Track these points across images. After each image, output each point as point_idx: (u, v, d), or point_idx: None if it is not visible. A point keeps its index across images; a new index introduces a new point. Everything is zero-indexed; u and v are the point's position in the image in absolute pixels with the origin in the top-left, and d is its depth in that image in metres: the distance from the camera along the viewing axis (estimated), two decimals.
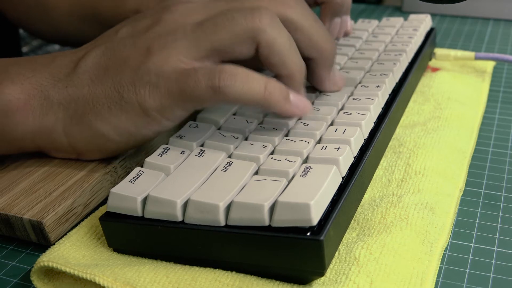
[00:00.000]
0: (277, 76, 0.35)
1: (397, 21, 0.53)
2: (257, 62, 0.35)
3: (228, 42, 0.33)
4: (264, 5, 0.35)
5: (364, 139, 0.35)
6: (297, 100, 0.34)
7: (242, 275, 0.29)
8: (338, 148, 0.32)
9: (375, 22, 0.54)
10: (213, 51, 0.34)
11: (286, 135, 0.35)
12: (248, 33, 0.33)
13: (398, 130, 0.43)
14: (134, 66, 0.34)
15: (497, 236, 0.34)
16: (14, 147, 0.37)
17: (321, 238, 0.27)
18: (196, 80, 0.32)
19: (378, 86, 0.40)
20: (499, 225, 0.35)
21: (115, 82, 0.34)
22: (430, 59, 0.54)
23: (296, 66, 0.35)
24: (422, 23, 0.53)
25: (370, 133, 0.36)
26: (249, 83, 0.32)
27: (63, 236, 0.34)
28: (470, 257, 0.32)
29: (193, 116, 0.39)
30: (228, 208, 0.29)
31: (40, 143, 0.37)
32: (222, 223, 0.29)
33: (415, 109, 0.46)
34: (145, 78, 0.33)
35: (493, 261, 0.32)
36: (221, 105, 0.38)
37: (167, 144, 0.35)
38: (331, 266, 0.30)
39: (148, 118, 0.34)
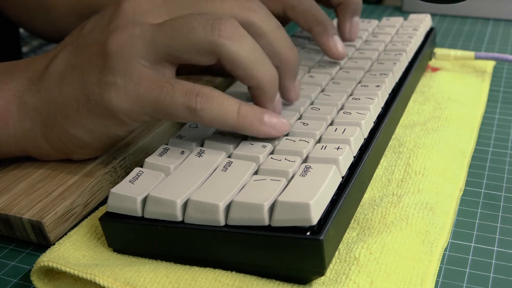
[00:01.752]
0: (248, 88, 0.34)
1: (397, 21, 0.53)
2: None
3: (186, 50, 0.32)
4: (227, 10, 0.34)
5: (364, 139, 0.35)
6: (273, 121, 0.33)
7: (242, 275, 0.29)
8: (338, 148, 0.32)
9: (375, 22, 0.54)
10: (171, 56, 0.33)
11: (286, 135, 0.35)
12: (207, 45, 0.32)
13: (398, 130, 0.43)
14: (98, 65, 0.33)
15: (497, 236, 0.34)
16: (1, 154, 0.37)
17: (321, 237, 0.27)
18: (172, 96, 0.32)
19: (378, 86, 0.40)
20: (499, 225, 0.35)
21: (82, 83, 0.34)
22: (430, 59, 0.54)
23: (264, 77, 0.33)
24: (422, 23, 0.53)
25: (370, 133, 0.36)
26: (223, 107, 0.32)
27: (63, 236, 0.34)
28: (470, 257, 0.32)
29: None
30: (228, 208, 0.29)
31: (25, 149, 0.37)
32: (222, 223, 0.29)
33: (415, 109, 0.46)
34: (110, 79, 0.33)
35: (493, 261, 0.32)
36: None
37: (167, 144, 0.35)
38: (331, 266, 0.30)
39: (116, 120, 0.34)
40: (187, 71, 0.47)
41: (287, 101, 0.38)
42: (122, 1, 0.35)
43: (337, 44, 0.44)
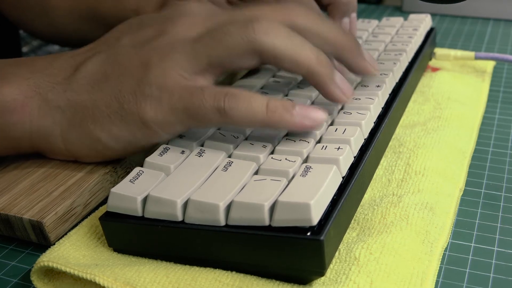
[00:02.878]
0: (304, 78, 0.34)
1: (397, 21, 0.53)
2: None
3: (226, 56, 0.33)
4: (265, 15, 0.34)
5: (364, 139, 0.35)
6: (305, 112, 0.32)
7: (242, 275, 0.29)
8: (338, 148, 0.32)
9: (375, 22, 0.54)
10: (212, 65, 0.33)
11: (286, 135, 0.35)
12: (245, 46, 0.32)
13: (398, 130, 0.43)
14: (135, 77, 0.34)
15: (497, 236, 0.34)
16: (11, 148, 0.37)
17: (321, 238, 0.27)
18: (202, 99, 0.32)
19: (378, 86, 0.40)
20: (499, 225, 0.35)
21: (116, 91, 0.34)
22: (430, 59, 0.54)
23: (311, 61, 0.33)
24: (422, 23, 0.53)
25: (370, 133, 0.36)
26: (251, 104, 0.32)
27: (63, 236, 0.34)
28: (470, 257, 0.32)
29: None
30: (228, 208, 0.29)
31: (37, 145, 0.37)
32: (222, 223, 0.29)
33: (415, 109, 0.46)
34: (147, 90, 0.33)
35: (493, 261, 0.32)
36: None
37: (167, 144, 0.35)
38: (331, 266, 0.30)
39: (148, 130, 0.34)
40: None
41: (372, 75, 0.38)
42: (167, 24, 0.36)
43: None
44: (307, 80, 0.34)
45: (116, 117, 0.34)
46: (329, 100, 0.35)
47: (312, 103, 0.39)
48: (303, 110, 0.32)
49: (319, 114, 0.33)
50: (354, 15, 0.48)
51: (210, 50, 0.33)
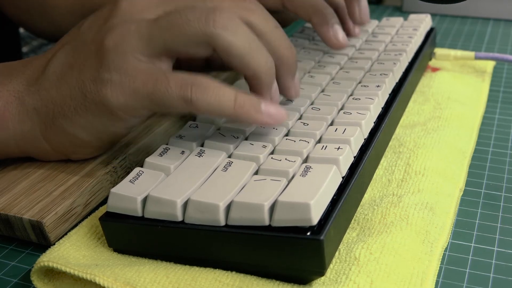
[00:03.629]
0: (244, 77, 0.34)
1: (397, 21, 0.53)
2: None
3: (182, 43, 0.33)
4: (224, 7, 0.34)
5: (364, 139, 0.35)
6: (270, 110, 0.33)
7: (242, 275, 0.29)
8: (338, 148, 0.32)
9: (375, 22, 0.54)
10: (168, 50, 0.33)
11: (286, 135, 0.35)
12: (202, 37, 0.32)
13: (398, 130, 0.43)
14: (94, 63, 0.34)
15: (497, 236, 0.34)
16: (2, 154, 0.37)
17: (321, 238, 0.27)
18: (167, 87, 0.32)
19: (378, 86, 0.40)
20: (499, 225, 0.35)
21: (79, 81, 0.34)
22: (430, 59, 0.54)
23: (260, 66, 0.33)
24: (422, 23, 0.53)
25: (370, 133, 0.36)
26: (220, 96, 0.32)
27: (63, 236, 0.34)
28: (470, 257, 0.32)
29: (193, 116, 0.39)
30: (228, 208, 0.29)
31: (25, 149, 0.37)
32: (222, 223, 0.29)
33: (415, 109, 0.46)
34: (106, 76, 0.33)
35: (493, 261, 0.32)
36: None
37: (167, 144, 0.35)
38: (331, 266, 0.30)
39: (113, 117, 0.34)
40: (188, 67, 0.47)
41: (288, 98, 0.38)
42: (119, 1, 0.35)
43: (337, 33, 0.44)
44: (247, 80, 0.34)
45: (82, 108, 0.34)
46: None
47: (312, 103, 0.39)
48: (269, 109, 0.33)
49: (282, 116, 0.33)
50: (365, 1, 0.48)
51: (167, 35, 0.33)
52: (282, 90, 0.37)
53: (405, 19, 0.55)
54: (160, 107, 0.33)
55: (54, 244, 0.33)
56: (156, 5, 0.35)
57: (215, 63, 0.45)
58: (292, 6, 0.44)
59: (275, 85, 0.35)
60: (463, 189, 0.38)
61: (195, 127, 0.37)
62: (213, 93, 0.32)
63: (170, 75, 0.32)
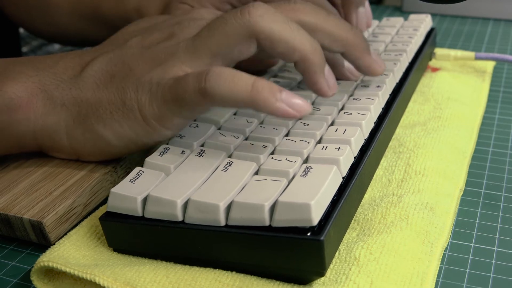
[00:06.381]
0: (295, 65, 0.34)
1: (397, 21, 0.53)
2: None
3: (225, 44, 0.33)
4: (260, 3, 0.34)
5: (365, 139, 0.35)
6: (291, 99, 0.30)
7: (242, 275, 0.29)
8: (339, 148, 0.32)
9: (375, 22, 0.54)
10: (213, 56, 0.33)
11: (286, 135, 0.35)
12: (242, 30, 0.32)
13: (398, 130, 0.43)
14: (139, 74, 0.34)
15: (497, 236, 0.34)
16: (14, 145, 0.37)
17: (321, 238, 0.27)
18: (185, 84, 0.32)
19: (378, 86, 0.40)
20: (499, 225, 0.35)
21: (119, 88, 0.34)
22: (430, 59, 0.54)
23: (306, 47, 0.33)
24: (422, 23, 0.53)
25: (370, 133, 0.36)
26: (235, 82, 0.30)
27: (63, 236, 0.34)
28: (470, 257, 0.32)
29: None
30: (229, 208, 0.29)
31: (41, 142, 0.37)
32: (222, 223, 0.29)
33: (415, 109, 0.46)
34: (147, 86, 0.33)
35: (493, 261, 0.32)
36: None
37: (167, 144, 0.35)
38: (331, 266, 0.30)
39: (148, 127, 0.34)
40: None
41: (376, 75, 0.38)
42: (176, 29, 0.36)
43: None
44: (297, 67, 0.34)
45: (118, 114, 0.34)
46: (314, 90, 0.35)
47: (312, 103, 0.39)
48: (290, 97, 0.30)
49: (305, 105, 0.31)
50: (362, 9, 0.48)
51: (209, 41, 0.33)
52: (366, 71, 0.37)
53: (405, 19, 0.55)
54: (185, 108, 0.32)
55: (54, 244, 0.33)
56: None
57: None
58: None
59: (327, 69, 0.34)
60: (463, 189, 0.38)
61: (195, 127, 0.37)
62: (227, 78, 0.31)
63: (191, 72, 0.32)
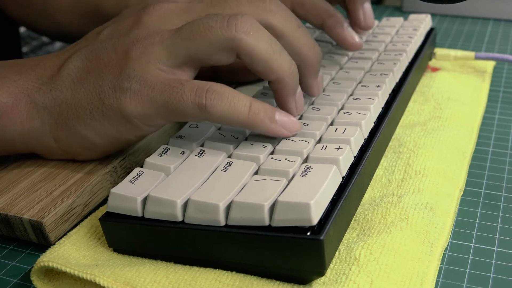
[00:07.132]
0: (269, 83, 0.35)
1: (397, 21, 0.53)
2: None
3: (205, 50, 0.33)
4: (244, 11, 0.34)
5: (364, 139, 0.35)
6: (284, 119, 0.33)
7: (242, 275, 0.29)
8: (338, 148, 0.32)
9: (375, 22, 0.53)
10: (191, 59, 0.33)
11: None
12: (225, 42, 0.32)
13: (398, 130, 0.43)
14: (114, 71, 0.34)
15: (497, 236, 0.34)
16: (5, 150, 0.37)
17: (321, 238, 0.27)
18: (182, 94, 0.32)
19: (378, 86, 0.40)
20: (499, 225, 0.35)
21: (96, 87, 0.34)
22: (430, 59, 0.54)
23: (283, 70, 0.33)
24: (422, 23, 0.53)
25: (370, 133, 0.36)
26: (234, 103, 0.32)
27: (63, 236, 0.34)
28: (470, 257, 0.32)
29: None
30: (228, 208, 0.29)
31: (31, 146, 0.37)
32: (222, 223, 0.29)
33: (415, 109, 0.46)
34: (126, 84, 0.33)
35: (493, 261, 0.32)
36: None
37: (167, 144, 0.35)
38: (331, 266, 0.30)
39: (129, 124, 0.34)
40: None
41: (311, 96, 0.39)
42: (142, 13, 0.36)
43: (353, 34, 0.44)
44: (271, 85, 0.35)
45: (98, 113, 0.34)
46: (281, 109, 0.35)
47: (312, 103, 0.39)
48: (283, 119, 0.33)
49: (296, 124, 0.34)
50: (368, 4, 0.48)
51: (190, 44, 0.33)
52: (305, 89, 0.38)
53: (405, 19, 0.55)
54: (176, 116, 0.33)
55: (54, 244, 0.33)
56: (177, 15, 0.36)
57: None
58: (303, 11, 0.44)
59: (299, 90, 0.35)
60: (463, 189, 0.38)
61: (195, 127, 0.37)
62: (228, 99, 0.32)
63: (186, 82, 0.32)
